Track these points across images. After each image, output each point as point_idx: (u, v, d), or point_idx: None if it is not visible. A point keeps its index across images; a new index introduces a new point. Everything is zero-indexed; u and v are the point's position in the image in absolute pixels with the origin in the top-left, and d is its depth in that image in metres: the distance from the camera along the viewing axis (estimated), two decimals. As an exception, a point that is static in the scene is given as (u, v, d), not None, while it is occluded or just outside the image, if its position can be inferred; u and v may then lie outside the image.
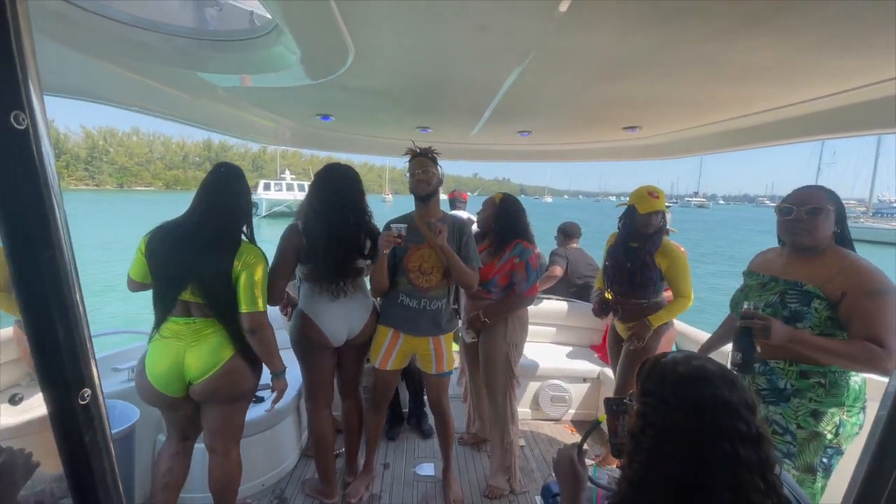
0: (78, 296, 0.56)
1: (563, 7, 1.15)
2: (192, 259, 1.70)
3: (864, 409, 1.52)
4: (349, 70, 1.76)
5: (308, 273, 2.16)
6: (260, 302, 1.76)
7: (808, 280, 1.51)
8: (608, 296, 2.60)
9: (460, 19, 1.30)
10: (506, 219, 2.52)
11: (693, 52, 1.45)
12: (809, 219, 1.52)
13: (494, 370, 2.49)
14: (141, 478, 2.26)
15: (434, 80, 1.96)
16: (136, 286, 1.83)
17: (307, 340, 2.20)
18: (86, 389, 0.58)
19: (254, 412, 2.48)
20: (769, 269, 1.67)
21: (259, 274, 1.76)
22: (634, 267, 2.44)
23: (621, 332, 2.64)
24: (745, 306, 1.54)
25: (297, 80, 1.91)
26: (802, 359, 1.51)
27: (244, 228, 1.83)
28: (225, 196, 1.77)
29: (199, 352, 1.71)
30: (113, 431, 1.86)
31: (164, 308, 1.75)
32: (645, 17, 1.23)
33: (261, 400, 2.65)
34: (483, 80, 1.93)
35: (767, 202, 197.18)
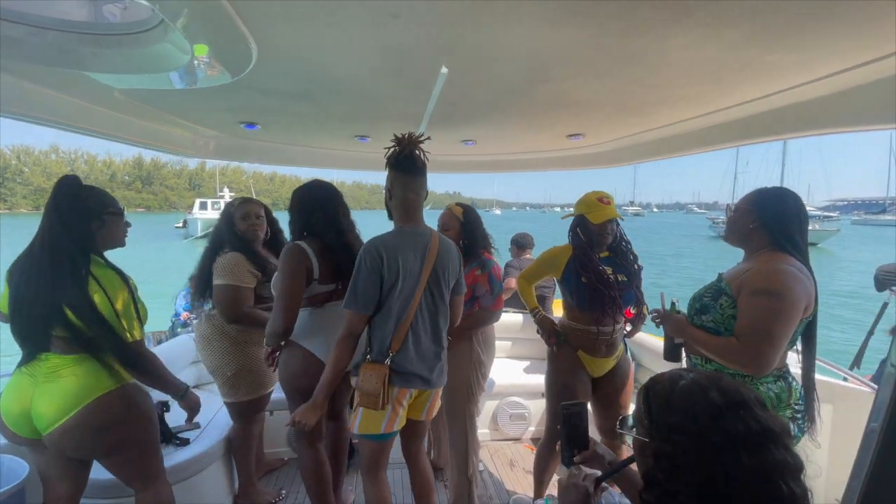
0: None
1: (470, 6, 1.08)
2: (36, 291, 1.50)
3: (796, 415, 1.48)
4: (257, 70, 1.59)
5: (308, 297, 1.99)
6: (131, 330, 1.57)
7: (728, 278, 1.54)
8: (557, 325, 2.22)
9: (369, 7, 1.18)
10: (472, 231, 2.35)
11: (621, 48, 1.40)
12: (728, 218, 1.65)
13: (455, 395, 2.27)
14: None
15: (357, 81, 1.80)
16: (2, 318, 1.65)
17: (308, 378, 1.91)
18: None
19: (176, 456, 2.19)
20: (729, 270, 1.67)
21: (120, 299, 1.55)
22: (628, 281, 2.12)
23: (592, 369, 2.17)
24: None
25: (196, 80, 1.72)
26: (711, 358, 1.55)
27: (89, 248, 1.59)
28: (55, 219, 1.54)
29: (47, 396, 1.50)
30: None
31: (28, 345, 1.55)
32: (565, 10, 1.16)
33: (186, 442, 2.34)
34: (411, 82, 1.79)
35: (696, 209, 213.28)
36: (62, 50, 1.49)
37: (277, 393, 2.75)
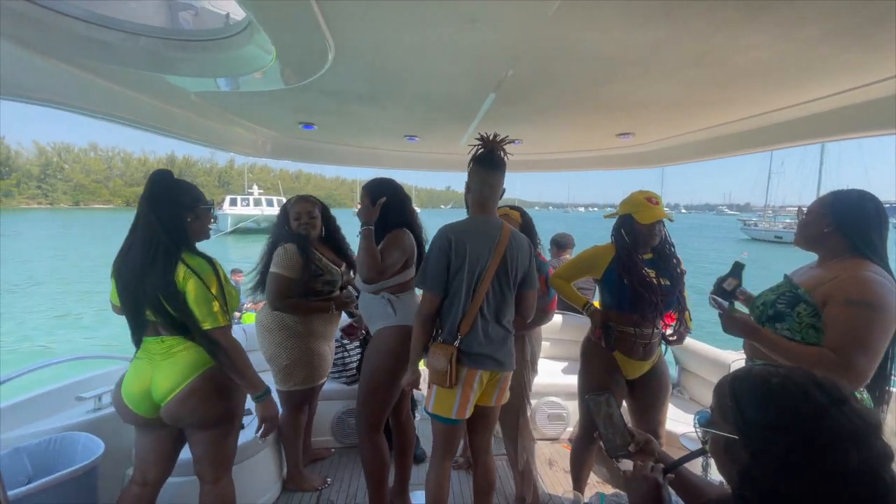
0: None
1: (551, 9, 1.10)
2: (134, 277, 1.60)
3: None
4: (330, 71, 1.66)
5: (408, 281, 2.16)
6: (216, 316, 1.60)
7: (806, 285, 1.46)
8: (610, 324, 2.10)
9: (449, 10, 1.22)
10: (529, 233, 2.34)
11: (693, 48, 1.40)
12: (799, 221, 1.59)
13: (513, 394, 2.24)
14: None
15: (421, 83, 1.85)
16: (117, 310, 1.75)
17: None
18: None
19: None
20: (795, 273, 1.62)
21: (206, 285, 1.60)
22: (671, 286, 2.05)
23: (627, 371, 2.14)
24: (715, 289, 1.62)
25: (273, 83, 1.80)
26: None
27: (182, 238, 1.65)
28: (151, 209, 1.62)
29: (165, 371, 1.62)
30: (73, 468, 1.72)
31: (132, 330, 1.67)
32: (648, 11, 1.17)
33: (241, 427, 2.43)
34: (473, 84, 1.84)
35: (727, 210, 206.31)
36: (153, 55, 1.59)
37: (326, 384, 2.85)
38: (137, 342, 1.68)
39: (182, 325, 1.60)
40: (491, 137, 1.87)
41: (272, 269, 2.34)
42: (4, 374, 1.99)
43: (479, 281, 1.78)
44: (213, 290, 1.60)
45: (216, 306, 1.60)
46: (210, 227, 1.78)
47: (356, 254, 2.06)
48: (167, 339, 1.63)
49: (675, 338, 2.17)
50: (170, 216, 1.62)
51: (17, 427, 2.00)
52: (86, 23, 1.50)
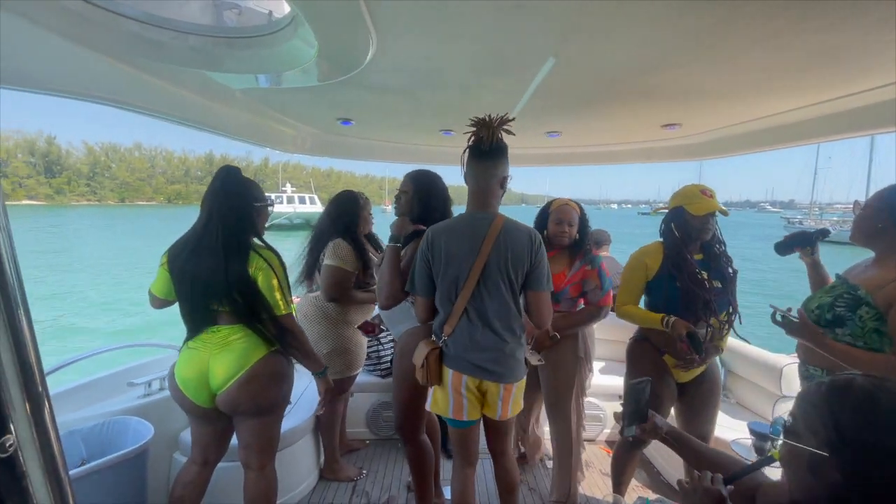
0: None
1: None
2: (208, 269, 1.65)
3: None
4: (370, 66, 1.66)
5: None
6: (282, 305, 1.72)
7: (866, 285, 1.39)
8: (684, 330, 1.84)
9: None
10: (585, 226, 2.32)
11: (750, 33, 1.32)
12: (855, 216, 1.55)
13: (562, 392, 2.24)
14: (154, 498, 2.11)
15: (461, 74, 1.82)
16: (159, 303, 1.81)
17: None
18: (7, 437, 0.49)
19: None
20: (850, 273, 1.54)
21: (275, 277, 1.71)
22: (722, 288, 1.94)
23: (679, 374, 2.03)
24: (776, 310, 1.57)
25: (314, 78, 1.82)
26: (838, 369, 1.40)
27: (252, 231, 1.76)
28: (224, 202, 1.70)
29: (223, 359, 1.67)
30: (124, 450, 1.78)
31: (195, 322, 1.71)
32: None
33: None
34: (513, 74, 1.79)
35: (769, 207, 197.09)
36: (202, 52, 1.63)
37: (361, 377, 2.88)
38: (193, 332, 1.72)
39: (245, 313, 1.67)
40: (483, 118, 1.65)
41: (328, 261, 2.39)
42: (60, 361, 2.09)
43: (460, 281, 1.64)
44: (279, 281, 1.70)
45: (281, 295, 1.71)
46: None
47: (379, 271, 1.92)
48: (223, 328, 1.69)
49: (682, 362, 1.96)
50: (245, 209, 1.72)
51: (72, 411, 2.09)
52: (141, 23, 1.56)
